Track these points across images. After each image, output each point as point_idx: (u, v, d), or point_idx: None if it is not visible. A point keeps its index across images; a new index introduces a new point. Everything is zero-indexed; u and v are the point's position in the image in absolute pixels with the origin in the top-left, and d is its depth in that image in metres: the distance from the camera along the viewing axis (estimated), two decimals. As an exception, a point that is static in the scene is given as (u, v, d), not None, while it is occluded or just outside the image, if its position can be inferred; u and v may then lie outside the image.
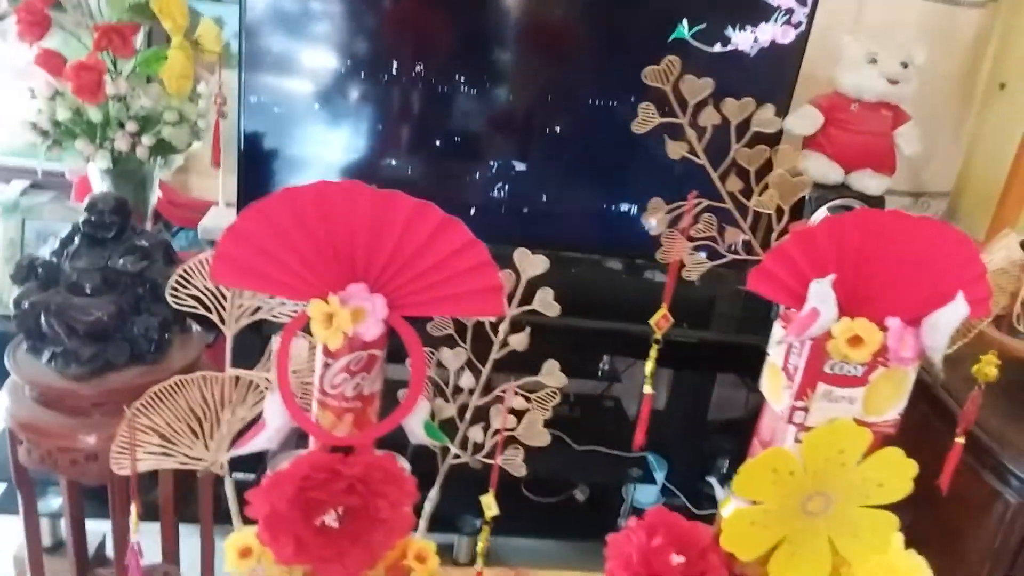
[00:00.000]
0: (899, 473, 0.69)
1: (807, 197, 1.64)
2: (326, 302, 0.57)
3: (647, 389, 0.69)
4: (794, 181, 0.64)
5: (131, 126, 1.39)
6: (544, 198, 1.68)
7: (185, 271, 0.63)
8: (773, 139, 1.61)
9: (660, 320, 0.66)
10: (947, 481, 0.75)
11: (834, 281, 0.63)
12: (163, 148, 1.44)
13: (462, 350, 0.66)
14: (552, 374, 0.67)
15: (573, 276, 1.78)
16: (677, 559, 0.71)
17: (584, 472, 1.90)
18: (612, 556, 0.73)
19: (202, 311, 0.63)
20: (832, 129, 1.63)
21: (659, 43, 1.55)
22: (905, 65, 1.55)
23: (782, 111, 1.65)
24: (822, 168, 1.62)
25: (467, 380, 0.67)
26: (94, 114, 1.36)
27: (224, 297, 0.64)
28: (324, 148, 1.61)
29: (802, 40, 1.58)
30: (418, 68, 1.56)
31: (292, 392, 0.61)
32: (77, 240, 1.20)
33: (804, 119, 1.63)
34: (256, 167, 1.55)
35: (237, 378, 0.65)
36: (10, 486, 1.63)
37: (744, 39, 1.59)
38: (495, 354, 0.65)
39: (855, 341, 0.63)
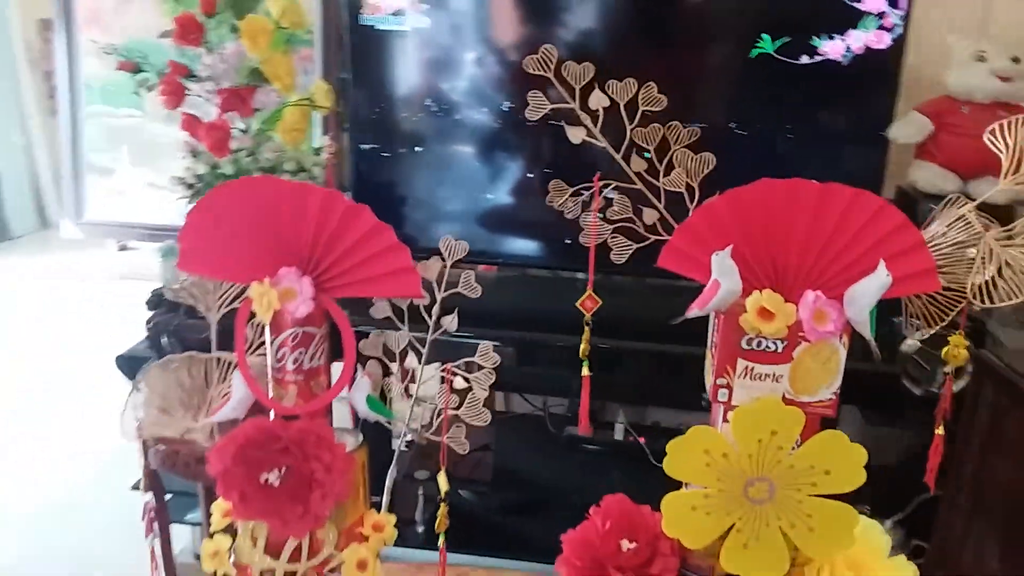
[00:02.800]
0: (846, 460, 0.65)
1: (918, 209, 1.53)
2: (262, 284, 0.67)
3: (584, 371, 0.71)
4: (697, 158, 0.64)
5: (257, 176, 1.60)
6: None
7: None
8: (881, 147, 1.53)
9: (585, 301, 0.69)
10: (932, 476, 0.69)
11: (748, 254, 0.63)
12: (284, 194, 1.64)
13: (405, 332, 0.72)
14: (486, 355, 0.71)
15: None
16: (627, 545, 0.71)
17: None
18: (567, 542, 0.74)
19: (191, 301, 0.75)
20: (943, 135, 1.51)
21: (743, 60, 1.54)
22: (1017, 60, 1.42)
23: (885, 119, 1.56)
24: (934, 178, 1.51)
25: (412, 361, 0.73)
26: (227, 167, 1.58)
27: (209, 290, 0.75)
28: (429, 188, 1.74)
29: (900, 43, 1.49)
30: (511, 107, 1.66)
31: (248, 366, 0.70)
32: (196, 271, 1.40)
33: (909, 126, 1.53)
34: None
35: (219, 359, 0.75)
36: (173, 498, 1.87)
37: (834, 48, 1.53)
38: (431, 336, 0.71)
39: (765, 314, 0.62)
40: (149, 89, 1.52)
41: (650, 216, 0.67)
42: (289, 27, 1.49)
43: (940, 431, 0.68)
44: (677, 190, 0.65)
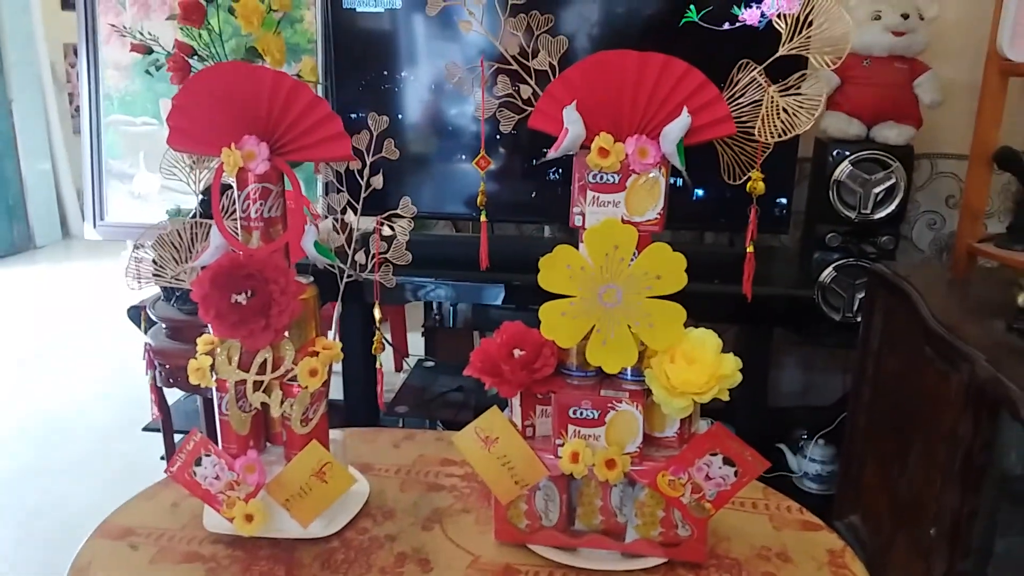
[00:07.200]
0: (671, 266, 0.85)
1: (828, 152, 1.74)
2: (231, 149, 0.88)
3: (482, 218, 0.91)
4: (555, 40, 0.85)
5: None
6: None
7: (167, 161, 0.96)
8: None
9: (480, 161, 0.90)
10: (748, 287, 0.89)
11: (592, 109, 0.84)
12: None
13: (344, 194, 0.93)
14: (406, 207, 0.92)
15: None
16: (517, 352, 0.91)
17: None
18: (473, 354, 0.94)
19: (180, 179, 0.96)
20: (849, 87, 1.72)
21: (672, 29, 1.75)
22: (906, 16, 1.62)
23: (799, 77, 1.76)
24: (840, 124, 1.71)
25: (352, 218, 0.94)
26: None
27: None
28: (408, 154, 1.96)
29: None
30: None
31: (222, 217, 0.91)
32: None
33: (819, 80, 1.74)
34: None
35: (201, 223, 0.96)
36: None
37: (751, 14, 1.73)
38: (363, 194, 0.92)
39: (603, 152, 0.83)
40: (158, 69, 1.76)
41: (525, 91, 0.88)
42: (279, 9, 1.73)
43: (750, 249, 0.87)
44: (543, 68, 0.86)
